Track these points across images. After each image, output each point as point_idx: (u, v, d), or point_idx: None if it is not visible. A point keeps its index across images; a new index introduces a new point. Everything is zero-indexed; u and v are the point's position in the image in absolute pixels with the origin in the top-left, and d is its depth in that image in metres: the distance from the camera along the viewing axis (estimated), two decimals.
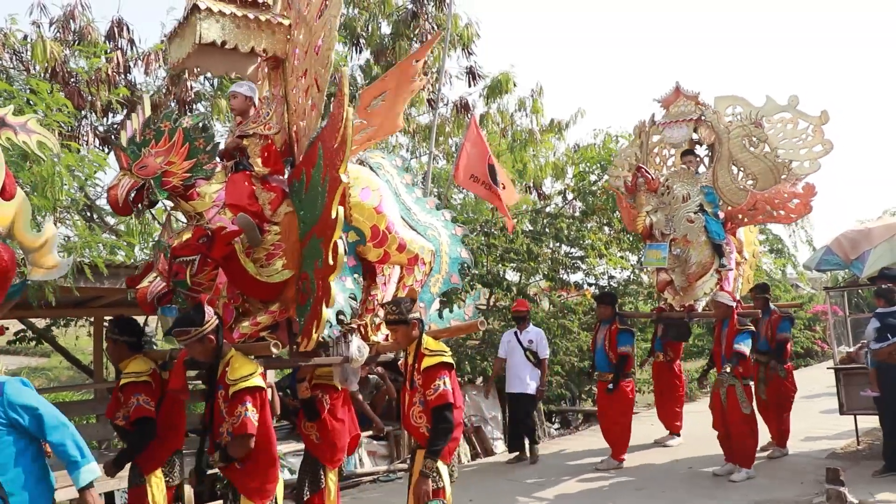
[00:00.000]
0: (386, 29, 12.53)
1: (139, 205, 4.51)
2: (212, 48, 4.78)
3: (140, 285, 4.80)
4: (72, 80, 10.22)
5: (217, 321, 4.38)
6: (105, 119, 10.88)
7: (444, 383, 4.48)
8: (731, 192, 8.58)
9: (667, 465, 8.76)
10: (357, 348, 4.95)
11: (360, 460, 9.11)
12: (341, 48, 12.54)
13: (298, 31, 4.92)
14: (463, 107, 12.92)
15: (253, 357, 4.49)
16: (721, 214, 8.57)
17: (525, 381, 9.24)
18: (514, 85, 13.04)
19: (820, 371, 12.07)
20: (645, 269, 9.68)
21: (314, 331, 4.43)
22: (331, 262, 4.25)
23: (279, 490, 4.42)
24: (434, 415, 4.47)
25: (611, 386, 8.75)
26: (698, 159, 9.12)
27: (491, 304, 13.06)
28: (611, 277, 13.79)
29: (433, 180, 11.98)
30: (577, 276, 13.75)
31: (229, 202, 4.65)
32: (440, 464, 4.47)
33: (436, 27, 12.30)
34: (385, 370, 9.36)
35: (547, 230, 13.09)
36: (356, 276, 5.02)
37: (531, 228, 12.99)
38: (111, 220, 10.59)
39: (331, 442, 5.25)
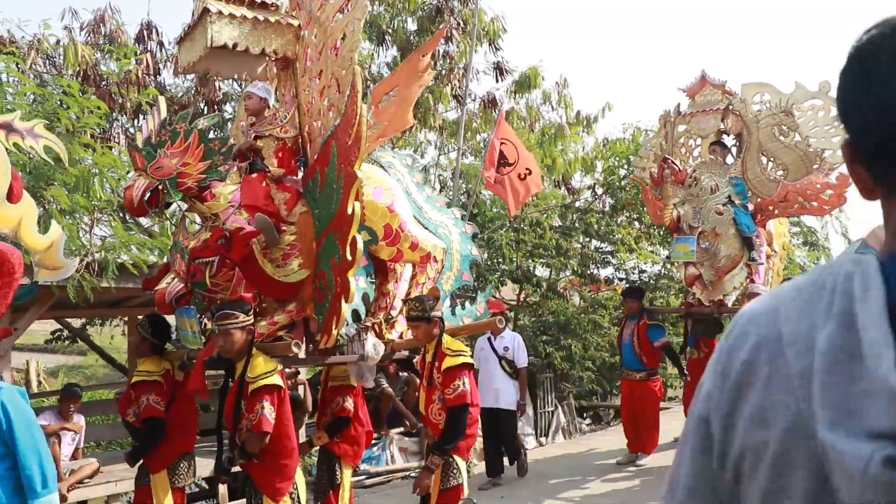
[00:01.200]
0: (411, 26, 12.52)
1: (155, 206, 4.59)
2: (222, 51, 4.82)
3: (158, 287, 4.87)
4: (102, 82, 10.41)
5: (254, 319, 4.48)
6: (135, 121, 11.06)
7: (464, 384, 4.58)
8: (761, 184, 8.27)
9: None
10: (372, 346, 4.98)
11: (392, 456, 9.13)
12: (367, 45, 12.57)
13: (310, 31, 4.94)
14: (490, 102, 12.86)
15: (272, 356, 4.56)
16: (750, 206, 8.30)
17: (500, 394, 8.08)
18: (543, 79, 12.95)
19: None
20: (674, 263, 9.41)
21: (334, 327, 4.49)
22: (349, 257, 4.28)
23: (301, 488, 4.47)
24: (450, 414, 4.58)
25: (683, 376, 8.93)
26: (726, 150, 8.86)
27: (520, 299, 13.02)
28: (641, 272, 13.68)
29: (461, 176, 11.96)
30: (607, 271, 13.65)
31: (245, 203, 4.69)
32: (459, 459, 4.59)
33: (461, 22, 12.26)
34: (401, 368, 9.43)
35: (576, 225, 13.01)
36: (368, 274, 5.08)
37: (560, 224, 12.89)
38: (145, 222, 10.77)
39: (351, 440, 5.30)
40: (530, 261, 12.76)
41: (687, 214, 7.96)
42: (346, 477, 5.35)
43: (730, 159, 8.80)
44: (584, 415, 12.77)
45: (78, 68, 9.98)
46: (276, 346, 4.56)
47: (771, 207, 8.57)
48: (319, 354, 4.93)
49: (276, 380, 4.34)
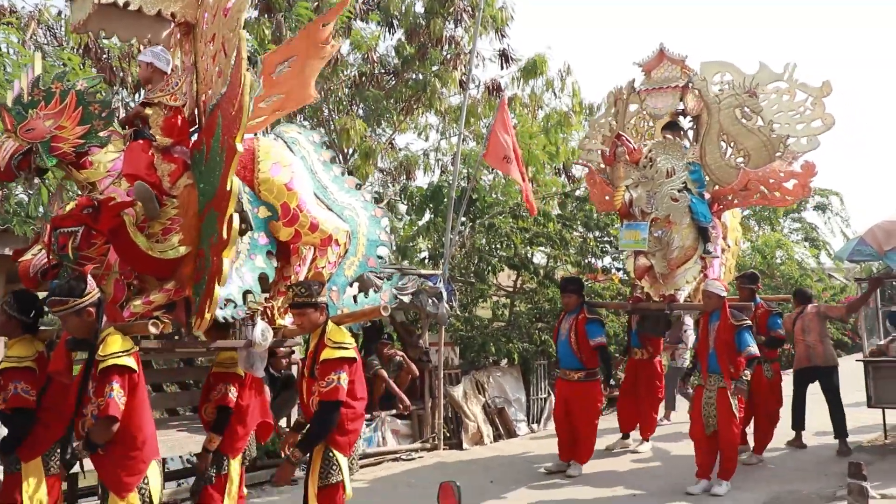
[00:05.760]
0: (420, 8, 11.93)
1: (25, 171, 4.09)
2: (115, 10, 4.33)
3: (23, 258, 4.36)
4: (104, 56, 10.04)
5: (98, 295, 3.90)
6: (136, 94, 10.67)
7: (340, 379, 4.03)
8: (721, 170, 7.39)
9: (675, 462, 7.90)
10: (261, 332, 4.42)
11: (383, 438, 8.66)
12: (374, 27, 12.03)
13: None
14: (495, 89, 12.25)
15: (154, 339, 4.04)
16: (707, 195, 7.35)
17: None
18: (548, 67, 12.31)
19: (849, 363, 10.91)
20: (623, 253, 8.39)
21: (206, 310, 3.94)
22: (224, 236, 3.73)
23: (154, 484, 3.91)
24: (320, 408, 4.04)
25: (609, 387, 7.71)
26: (682, 132, 7.87)
27: (517, 286, 12.38)
28: None
29: (462, 161, 11.36)
30: (605, 261, 12.91)
31: (126, 171, 4.19)
32: (339, 455, 4.07)
33: (469, 6, 11.64)
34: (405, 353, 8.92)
35: (576, 214, 12.32)
36: (269, 253, 4.52)
37: (560, 213, 12.19)
38: None
39: (231, 429, 4.72)
40: (529, 248, 12.11)
41: (640, 199, 6.93)
42: (234, 470, 4.78)
43: (685, 143, 7.83)
44: None
45: (79, 41, 9.62)
46: (133, 326, 3.97)
47: (731, 196, 7.60)
48: (207, 337, 4.39)
49: (129, 361, 3.76)
